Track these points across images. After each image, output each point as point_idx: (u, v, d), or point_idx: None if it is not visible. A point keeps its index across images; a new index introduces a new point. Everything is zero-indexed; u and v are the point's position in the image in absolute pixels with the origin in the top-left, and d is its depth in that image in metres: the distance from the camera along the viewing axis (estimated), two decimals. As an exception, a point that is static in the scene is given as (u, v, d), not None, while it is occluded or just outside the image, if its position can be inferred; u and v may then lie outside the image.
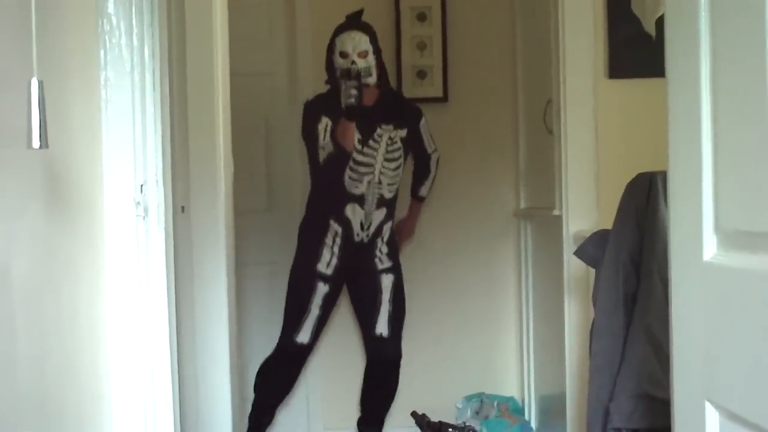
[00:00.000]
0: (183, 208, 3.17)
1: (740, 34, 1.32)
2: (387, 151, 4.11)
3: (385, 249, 4.20)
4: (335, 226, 4.14)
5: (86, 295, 1.90)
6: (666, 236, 1.74)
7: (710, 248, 1.42)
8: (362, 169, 4.08)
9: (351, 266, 4.18)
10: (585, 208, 3.60)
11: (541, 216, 4.25)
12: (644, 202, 2.41)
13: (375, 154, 4.09)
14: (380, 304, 4.19)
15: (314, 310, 4.15)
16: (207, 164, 3.26)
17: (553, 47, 3.76)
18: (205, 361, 3.19)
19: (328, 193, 4.15)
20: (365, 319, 4.27)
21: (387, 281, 4.19)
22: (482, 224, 4.82)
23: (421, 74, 4.78)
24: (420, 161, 4.36)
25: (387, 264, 4.21)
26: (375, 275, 4.20)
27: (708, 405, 1.40)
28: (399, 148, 4.14)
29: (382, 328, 4.20)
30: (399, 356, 4.27)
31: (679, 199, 1.54)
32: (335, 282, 4.18)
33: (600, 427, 2.42)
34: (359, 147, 4.06)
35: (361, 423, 4.41)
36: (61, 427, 1.71)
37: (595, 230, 2.82)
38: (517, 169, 4.71)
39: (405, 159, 4.20)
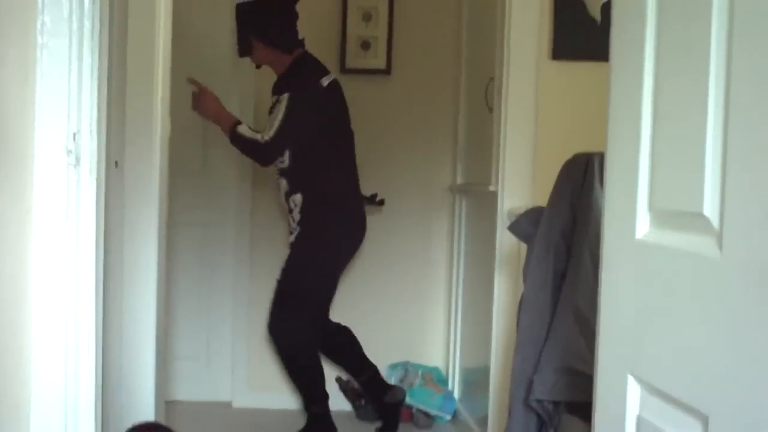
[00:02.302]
0: (117, 163, 3.12)
1: (685, 25, 1.34)
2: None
3: (295, 226, 4.14)
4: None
5: (11, 243, 1.85)
6: (599, 216, 1.76)
7: (643, 226, 1.45)
8: None
9: None
10: (521, 186, 3.62)
11: (477, 192, 4.28)
12: (580, 182, 2.43)
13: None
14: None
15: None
16: (143, 120, 3.20)
17: (498, 25, 3.76)
18: (132, 316, 3.16)
19: None
20: None
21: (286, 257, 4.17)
22: (418, 197, 4.83)
23: (365, 45, 4.76)
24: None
25: (291, 239, 4.18)
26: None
27: (630, 379, 1.43)
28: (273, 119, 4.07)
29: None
30: (275, 330, 4.19)
31: (616, 177, 1.56)
32: None
33: (522, 398, 2.45)
34: None
35: None
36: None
37: (530, 207, 2.84)
38: (456, 145, 4.73)
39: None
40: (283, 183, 4.16)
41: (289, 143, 4.02)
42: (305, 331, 4.16)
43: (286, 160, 4.09)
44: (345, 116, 4.20)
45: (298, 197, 4.11)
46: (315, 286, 4.17)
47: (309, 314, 4.16)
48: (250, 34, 4.12)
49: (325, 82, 4.09)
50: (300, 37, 4.17)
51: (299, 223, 4.11)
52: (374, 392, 4.39)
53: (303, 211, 4.10)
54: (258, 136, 3.99)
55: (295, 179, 4.11)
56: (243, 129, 4.03)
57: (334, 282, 4.25)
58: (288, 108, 3.97)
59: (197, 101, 4.12)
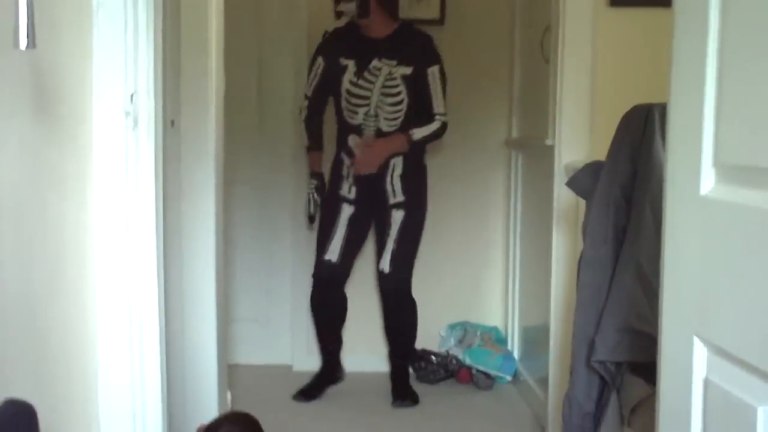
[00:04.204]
0: (173, 122, 3.13)
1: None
2: (384, 86, 4.16)
3: (398, 183, 4.23)
4: (345, 158, 4.27)
5: (73, 206, 1.87)
6: (660, 170, 1.72)
7: (708, 182, 1.40)
8: (355, 101, 4.18)
9: (369, 197, 4.27)
10: (578, 139, 3.57)
11: (533, 145, 4.23)
12: (640, 135, 2.38)
13: (371, 86, 4.16)
14: (386, 240, 4.27)
15: (340, 230, 4.29)
16: (198, 78, 3.21)
17: (553, -28, 3.69)
18: (192, 278, 3.19)
19: (337, 126, 4.31)
20: (377, 253, 4.38)
21: (397, 216, 4.25)
22: (473, 152, 4.80)
23: (419, -6, 4.70)
24: (424, 114, 4.22)
25: (399, 198, 4.25)
26: (387, 209, 4.26)
27: (696, 340, 1.40)
28: (398, 85, 4.17)
29: (384, 264, 4.29)
30: (400, 288, 4.32)
31: (679, 130, 1.52)
32: (360, 205, 4.29)
33: (584, 359, 2.43)
34: (354, 79, 4.16)
35: (390, 355, 4.51)
36: (46, 344, 1.70)
37: (588, 161, 2.80)
38: (511, 98, 4.68)
39: (410, 97, 4.18)
40: (370, 139, 4.21)
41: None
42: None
43: (398, 124, 4.20)
44: None
45: (398, 160, 4.22)
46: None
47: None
48: None
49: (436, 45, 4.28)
50: None
51: (404, 192, 4.24)
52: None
53: (405, 177, 4.23)
54: (434, 127, 4.19)
55: None
56: (417, 134, 4.18)
57: None
58: (443, 79, 4.20)
59: (365, 160, 4.21)
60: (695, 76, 1.43)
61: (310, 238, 4.67)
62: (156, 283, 2.12)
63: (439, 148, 4.69)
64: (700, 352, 1.39)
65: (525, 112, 4.48)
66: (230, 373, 3.93)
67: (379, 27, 4.18)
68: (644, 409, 2.23)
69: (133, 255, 2.04)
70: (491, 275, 4.84)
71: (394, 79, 4.16)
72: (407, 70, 4.16)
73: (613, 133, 2.53)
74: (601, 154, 2.62)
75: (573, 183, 2.74)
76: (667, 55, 1.56)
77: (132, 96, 2.01)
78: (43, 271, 1.68)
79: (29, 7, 1.16)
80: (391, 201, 4.24)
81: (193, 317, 3.19)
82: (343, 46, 4.21)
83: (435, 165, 4.65)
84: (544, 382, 3.86)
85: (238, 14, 4.36)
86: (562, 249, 3.62)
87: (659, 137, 2.29)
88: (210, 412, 3.19)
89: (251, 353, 4.80)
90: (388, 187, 4.23)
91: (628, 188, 2.42)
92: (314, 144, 4.37)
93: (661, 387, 1.53)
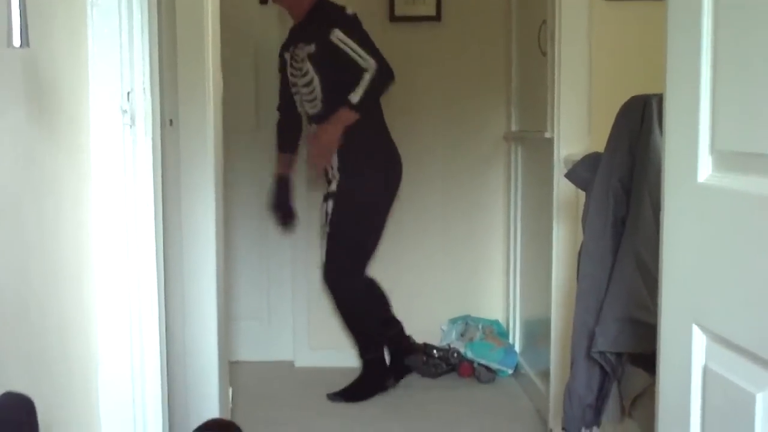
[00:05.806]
0: (171, 121, 3.12)
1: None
2: (295, 68, 4.16)
3: (335, 172, 4.17)
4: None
5: (70, 205, 1.87)
6: (659, 160, 1.72)
7: (705, 169, 1.41)
8: (293, 89, 4.25)
9: None
10: (577, 131, 3.57)
11: (532, 139, 4.22)
12: (638, 125, 2.38)
13: (296, 72, 4.18)
14: (324, 231, 4.24)
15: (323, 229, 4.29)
16: (196, 77, 3.19)
17: (549, -35, 3.68)
18: (192, 277, 3.18)
19: None
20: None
21: (328, 208, 4.18)
22: (472, 147, 4.79)
23: (414, -9, 4.70)
24: (355, 76, 4.01)
25: (333, 188, 4.19)
26: (325, 200, 4.23)
27: (695, 328, 1.40)
28: (305, 65, 4.10)
29: (322, 254, 4.26)
30: (331, 280, 4.25)
31: (675, 119, 1.52)
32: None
33: (584, 350, 2.43)
34: (291, 70, 4.22)
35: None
36: (44, 340, 1.70)
37: (587, 153, 2.79)
38: (509, 92, 4.67)
39: (321, 74, 4.08)
40: (315, 129, 4.18)
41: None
42: (359, 279, 4.24)
43: (318, 104, 4.12)
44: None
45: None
46: (365, 233, 4.24)
47: (361, 261, 4.24)
48: None
49: (350, 12, 4.10)
50: None
51: (339, 169, 4.14)
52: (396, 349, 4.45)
53: (340, 155, 4.12)
54: (366, 79, 3.96)
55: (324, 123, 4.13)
56: (354, 97, 3.98)
57: (382, 226, 4.30)
58: (354, 34, 4.00)
59: (313, 151, 4.16)
60: (690, 65, 1.43)
61: (309, 237, 4.68)
62: (155, 280, 2.11)
63: (439, 143, 4.70)
64: (699, 340, 1.39)
65: (523, 106, 4.48)
66: (232, 369, 3.94)
67: (295, 11, 4.19)
68: (645, 399, 2.23)
69: (132, 253, 2.03)
70: (492, 269, 4.84)
71: (303, 60, 4.10)
72: (311, 48, 4.07)
73: (611, 124, 2.53)
74: (600, 146, 2.62)
75: (572, 175, 2.74)
76: (663, 46, 1.56)
77: (128, 94, 2.01)
78: (41, 270, 1.68)
79: (21, 5, 1.16)
80: (328, 190, 4.20)
81: (194, 315, 3.19)
82: (286, 42, 4.29)
83: (435, 160, 4.66)
84: (545, 375, 3.86)
85: (235, 11, 4.35)
86: (563, 241, 3.62)
87: (657, 127, 2.29)
88: (211, 407, 3.21)
89: (253, 350, 4.82)
90: (329, 176, 4.20)
91: (626, 179, 2.42)
92: (281, 144, 4.46)
93: (660, 375, 1.53)
